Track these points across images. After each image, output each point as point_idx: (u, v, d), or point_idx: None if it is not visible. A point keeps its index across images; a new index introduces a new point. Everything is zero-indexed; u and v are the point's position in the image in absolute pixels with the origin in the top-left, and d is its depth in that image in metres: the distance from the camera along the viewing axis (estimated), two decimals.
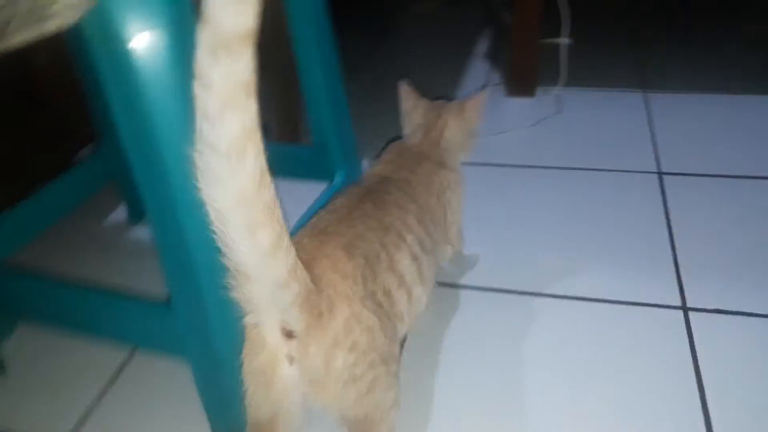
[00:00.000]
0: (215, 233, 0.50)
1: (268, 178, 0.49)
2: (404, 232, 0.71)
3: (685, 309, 0.91)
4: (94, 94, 1.05)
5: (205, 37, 0.43)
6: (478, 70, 1.78)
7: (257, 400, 0.60)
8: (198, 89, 0.44)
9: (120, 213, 1.24)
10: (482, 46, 1.95)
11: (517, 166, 1.31)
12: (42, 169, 1.18)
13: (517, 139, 1.41)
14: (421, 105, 0.95)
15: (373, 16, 2.32)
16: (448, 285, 1.00)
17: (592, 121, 1.45)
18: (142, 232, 1.19)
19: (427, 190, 0.83)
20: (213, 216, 0.49)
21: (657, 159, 1.28)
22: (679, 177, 1.22)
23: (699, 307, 0.91)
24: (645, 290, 0.95)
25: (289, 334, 0.57)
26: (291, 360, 0.58)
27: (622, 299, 0.94)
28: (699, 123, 1.40)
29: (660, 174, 1.23)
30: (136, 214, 1.21)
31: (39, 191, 1.00)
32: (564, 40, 1.49)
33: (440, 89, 1.66)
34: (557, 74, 1.56)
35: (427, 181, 0.84)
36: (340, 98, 0.92)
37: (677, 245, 1.04)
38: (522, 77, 1.57)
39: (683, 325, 0.88)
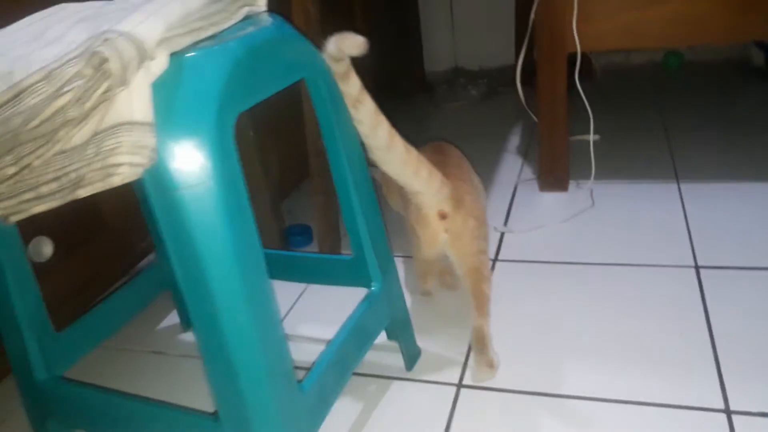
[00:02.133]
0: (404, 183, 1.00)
1: (409, 147, 0.96)
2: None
3: (728, 412, 0.90)
4: (150, 215, 1.14)
5: (347, 101, 0.86)
6: (511, 165, 1.84)
7: (427, 253, 1.11)
8: (356, 125, 0.89)
9: (173, 318, 1.30)
10: (513, 141, 2.02)
11: (552, 263, 1.33)
12: (104, 281, 1.27)
13: (551, 235, 1.44)
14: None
15: (406, 117, 2.44)
16: (477, 387, 1.01)
17: (626, 213, 1.48)
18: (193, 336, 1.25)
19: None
20: (396, 178, 0.98)
21: (693, 252, 1.29)
22: (717, 270, 1.22)
23: (743, 410, 0.90)
24: (685, 392, 0.94)
25: (443, 215, 1.04)
26: (445, 230, 1.05)
27: (660, 402, 0.93)
28: (734, 213, 1.41)
29: (697, 268, 1.24)
30: (188, 321, 1.27)
31: (100, 303, 1.08)
32: (592, 137, 1.54)
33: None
34: (589, 169, 1.60)
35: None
36: (374, 214, 0.98)
37: (717, 344, 1.03)
38: (553, 173, 1.62)
39: (727, 430, 0.87)
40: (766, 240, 1.30)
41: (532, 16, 1.47)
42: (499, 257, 1.38)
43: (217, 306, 0.65)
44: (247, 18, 0.79)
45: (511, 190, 1.69)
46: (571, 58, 1.48)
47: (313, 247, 1.53)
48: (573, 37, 1.42)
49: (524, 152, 1.92)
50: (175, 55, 0.65)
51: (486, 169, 1.83)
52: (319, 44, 0.82)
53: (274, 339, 0.72)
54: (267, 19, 0.79)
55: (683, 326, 1.08)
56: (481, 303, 1.06)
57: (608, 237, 1.39)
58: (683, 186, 1.56)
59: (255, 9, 0.82)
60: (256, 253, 0.69)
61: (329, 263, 1.11)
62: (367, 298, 1.00)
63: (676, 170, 1.64)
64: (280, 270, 1.16)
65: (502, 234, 1.47)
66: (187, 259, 0.65)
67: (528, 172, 1.77)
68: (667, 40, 1.43)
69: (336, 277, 1.11)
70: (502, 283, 1.29)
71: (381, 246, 1.01)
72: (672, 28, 1.38)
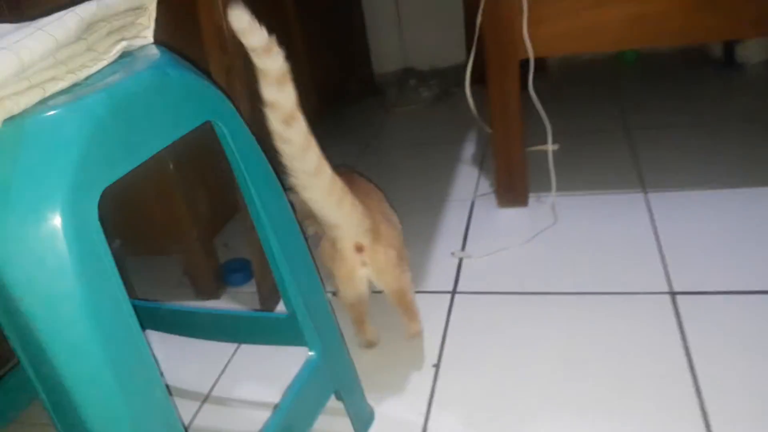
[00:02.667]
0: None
1: (335, 175, 0.88)
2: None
3: None
4: None
5: (275, 116, 0.77)
6: (467, 177, 1.71)
7: (346, 292, 1.06)
8: (282, 144, 0.80)
9: None
10: (468, 149, 1.89)
11: (511, 293, 1.21)
12: None
13: (513, 260, 1.31)
14: None
15: (355, 123, 2.29)
16: None
17: (591, 230, 1.36)
18: None
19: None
20: (315, 208, 0.91)
21: (667, 275, 1.18)
22: (694, 296, 1.11)
23: None
24: None
25: (360, 248, 0.99)
26: (363, 264, 1.01)
27: None
28: (708, 224, 1.31)
29: (672, 294, 1.13)
30: None
31: None
32: (550, 147, 1.42)
33: (429, 200, 1.59)
34: (549, 180, 1.49)
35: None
36: (305, 270, 0.83)
37: (701, 385, 0.92)
38: (511, 188, 1.50)
39: None
40: (744, 254, 1.20)
41: (479, 19, 1.33)
42: (458, 289, 1.25)
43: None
44: (125, 56, 0.64)
45: (468, 206, 1.56)
46: (523, 64, 1.35)
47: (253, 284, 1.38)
48: (524, 43, 1.29)
49: (480, 161, 1.79)
50: (10, 121, 0.50)
51: (440, 182, 1.70)
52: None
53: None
54: (150, 56, 0.64)
55: (663, 367, 0.97)
56: (411, 313, 1.10)
57: (573, 260, 1.28)
58: (651, 195, 1.45)
59: (136, 43, 0.66)
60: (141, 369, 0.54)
61: (261, 322, 0.97)
62: (306, 366, 0.86)
63: (642, 178, 1.54)
64: (207, 329, 1.01)
65: (461, 260, 1.34)
66: (48, 384, 0.50)
67: (485, 185, 1.64)
68: (623, 43, 1.32)
69: (270, 336, 0.97)
70: (462, 319, 1.16)
71: (316, 305, 0.87)
72: (628, 29, 1.26)
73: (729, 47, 2.13)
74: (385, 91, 2.48)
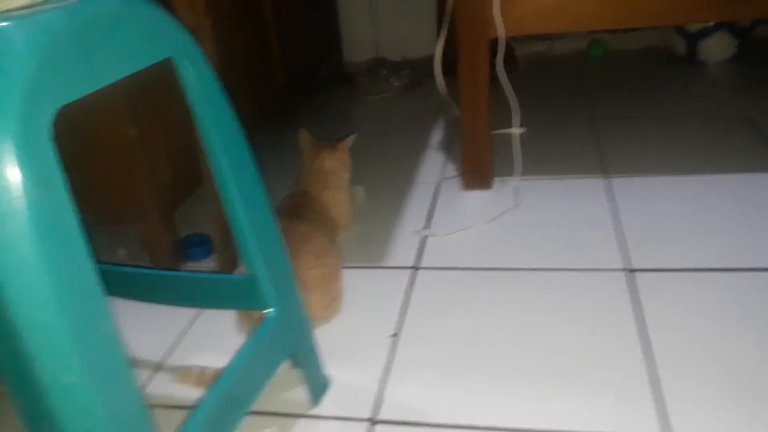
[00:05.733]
0: None
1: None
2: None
3: None
4: None
5: None
6: (434, 162, 1.72)
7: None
8: None
9: None
10: (437, 136, 1.90)
11: (476, 269, 1.22)
12: None
13: (475, 238, 1.32)
14: (312, 145, 1.40)
15: (325, 112, 2.29)
16: (396, 422, 0.88)
17: (553, 212, 1.38)
18: None
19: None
20: None
21: (625, 254, 1.20)
22: (651, 273, 1.13)
23: None
24: (623, 419, 0.84)
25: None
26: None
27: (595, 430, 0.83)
28: (666, 208, 1.33)
29: (629, 271, 1.15)
30: None
31: None
32: (515, 130, 1.43)
33: (396, 184, 1.59)
34: (513, 164, 1.50)
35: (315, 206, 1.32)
36: (266, 224, 0.82)
37: (656, 357, 0.94)
38: (476, 171, 1.51)
39: None
40: (701, 237, 1.22)
41: None
42: (421, 264, 1.25)
43: (38, 366, 0.49)
44: None
45: (433, 189, 1.57)
46: (493, 47, 1.36)
47: (213, 259, 1.37)
48: (494, 21, 1.30)
49: (448, 148, 1.80)
50: None
51: (407, 167, 1.70)
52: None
53: (120, 393, 0.56)
54: None
55: (618, 343, 0.99)
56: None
57: (534, 240, 1.29)
58: (612, 181, 1.48)
59: None
60: (90, 293, 0.52)
61: (219, 284, 0.94)
62: (263, 325, 0.85)
63: (605, 164, 1.56)
64: (164, 293, 0.99)
65: (425, 238, 1.35)
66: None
67: (451, 169, 1.65)
68: (596, 22, 1.32)
69: (229, 299, 0.95)
70: (422, 293, 1.16)
71: (277, 262, 0.86)
72: (602, 8, 1.28)
73: (692, 45, 2.19)
74: (356, 80, 2.48)
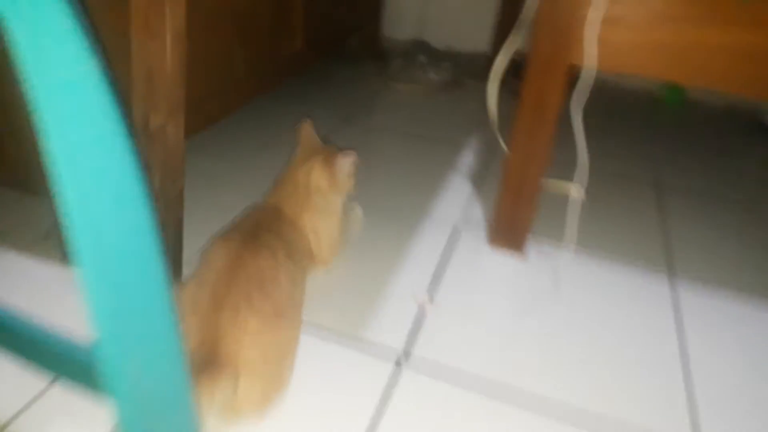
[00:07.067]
0: None
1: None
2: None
3: None
4: None
5: None
6: (458, 193, 1.37)
7: None
8: None
9: None
10: (468, 155, 1.55)
11: (473, 376, 0.88)
12: None
13: (488, 326, 0.99)
14: (308, 145, 1.07)
15: (350, 91, 1.93)
16: None
17: (601, 313, 1.04)
18: None
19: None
20: None
21: (694, 415, 0.87)
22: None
23: None
24: None
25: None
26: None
27: None
28: (740, 347, 1.00)
29: None
30: None
31: None
32: (575, 192, 1.09)
33: (405, 212, 1.25)
34: (555, 226, 1.16)
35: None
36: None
37: None
38: (511, 227, 1.16)
39: None
40: None
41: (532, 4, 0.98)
42: (414, 348, 0.92)
43: None
44: None
45: (450, 231, 1.23)
46: (572, 78, 1.01)
47: None
48: (584, 44, 0.95)
49: (480, 178, 1.45)
50: None
51: (424, 190, 1.35)
52: None
53: None
54: None
55: None
56: None
57: (569, 353, 0.95)
58: (679, 284, 1.13)
59: None
60: None
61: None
62: None
63: (671, 253, 1.22)
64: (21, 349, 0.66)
65: (424, 308, 1.01)
66: None
67: (478, 211, 1.31)
68: (724, 80, 0.96)
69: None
70: (405, 394, 0.83)
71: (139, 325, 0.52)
72: (732, 62, 0.92)
73: None
74: (389, 60, 2.12)
